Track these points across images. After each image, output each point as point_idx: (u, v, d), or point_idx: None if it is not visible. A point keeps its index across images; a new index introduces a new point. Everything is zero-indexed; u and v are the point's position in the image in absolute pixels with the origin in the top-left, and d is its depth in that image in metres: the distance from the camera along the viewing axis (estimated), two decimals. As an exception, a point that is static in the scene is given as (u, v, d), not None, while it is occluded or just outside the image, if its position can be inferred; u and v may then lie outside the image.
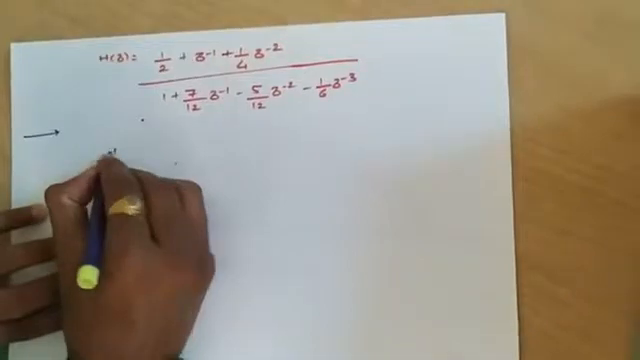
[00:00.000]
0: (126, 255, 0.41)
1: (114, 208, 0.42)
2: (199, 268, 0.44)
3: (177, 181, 0.46)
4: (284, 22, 0.49)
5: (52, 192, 0.45)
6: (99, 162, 0.47)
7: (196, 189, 0.46)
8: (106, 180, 0.45)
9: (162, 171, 0.48)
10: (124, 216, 0.42)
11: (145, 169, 0.48)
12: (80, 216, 0.44)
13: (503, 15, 0.47)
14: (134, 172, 0.46)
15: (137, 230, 0.42)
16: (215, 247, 0.47)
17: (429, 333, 0.46)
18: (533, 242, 0.46)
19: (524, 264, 0.46)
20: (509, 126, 0.47)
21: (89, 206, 0.46)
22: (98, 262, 0.41)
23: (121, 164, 0.46)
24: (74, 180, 0.45)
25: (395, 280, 0.47)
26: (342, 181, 0.48)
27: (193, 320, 0.45)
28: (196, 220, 0.45)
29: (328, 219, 0.47)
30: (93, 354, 0.41)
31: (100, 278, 0.41)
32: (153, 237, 0.42)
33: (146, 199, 0.43)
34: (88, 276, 0.40)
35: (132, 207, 0.42)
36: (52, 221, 0.44)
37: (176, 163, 0.49)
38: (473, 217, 0.46)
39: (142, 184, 0.44)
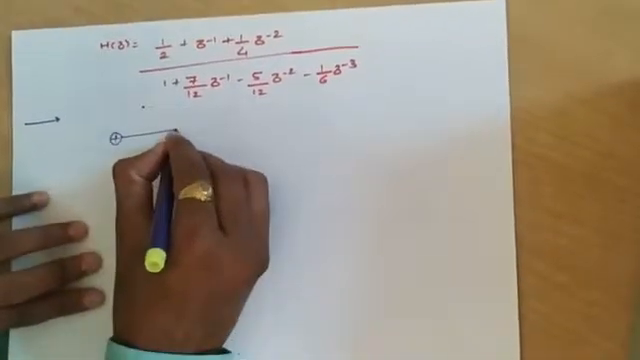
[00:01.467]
0: (194, 241, 0.40)
1: (185, 192, 0.41)
2: (258, 263, 0.43)
3: (244, 168, 0.45)
4: (285, 9, 0.49)
5: (121, 167, 0.44)
6: (167, 140, 0.46)
7: (263, 180, 0.45)
8: (177, 161, 0.44)
9: None
10: (195, 201, 0.41)
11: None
12: (147, 193, 0.44)
13: (503, 1, 0.47)
14: (202, 155, 0.45)
15: (207, 217, 0.41)
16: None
17: (428, 320, 0.46)
18: (533, 228, 0.46)
19: (524, 250, 0.46)
20: (509, 113, 0.47)
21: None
22: (165, 245, 0.40)
23: (190, 145, 0.46)
24: (143, 156, 0.45)
25: (393, 266, 0.47)
26: (342, 167, 0.48)
27: (239, 314, 0.44)
28: (261, 212, 0.44)
29: (328, 205, 0.47)
30: (141, 335, 0.40)
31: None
32: (220, 226, 0.41)
33: (215, 186, 0.42)
34: (156, 259, 0.39)
35: (204, 193, 0.41)
36: (118, 196, 0.44)
37: None
38: (473, 203, 0.46)
39: (211, 169, 0.44)
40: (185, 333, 0.40)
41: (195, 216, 0.41)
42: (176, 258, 0.40)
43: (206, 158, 0.45)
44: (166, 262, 0.40)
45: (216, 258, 0.40)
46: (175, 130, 0.48)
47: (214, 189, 0.42)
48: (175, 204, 0.42)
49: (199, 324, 0.41)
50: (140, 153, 0.45)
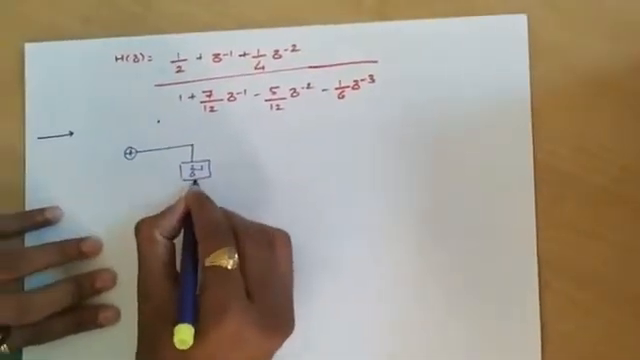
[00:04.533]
0: (224, 318, 0.39)
1: (212, 259, 0.41)
2: (285, 329, 0.42)
3: (268, 228, 0.44)
4: (303, 22, 0.48)
5: (144, 226, 0.43)
6: (188, 196, 0.45)
7: (287, 240, 0.44)
8: (200, 225, 0.43)
9: (177, 174, 0.48)
10: (222, 270, 0.40)
11: (161, 171, 0.48)
12: (170, 253, 0.43)
13: (525, 17, 0.47)
14: (225, 213, 0.44)
15: (235, 287, 0.40)
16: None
17: (448, 340, 0.46)
18: (556, 245, 0.45)
19: (546, 268, 0.45)
20: (530, 128, 0.46)
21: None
22: (193, 318, 0.39)
23: (212, 203, 0.45)
24: (165, 214, 0.44)
25: (413, 284, 0.46)
26: (361, 184, 0.47)
27: None
28: (286, 274, 0.43)
29: (346, 222, 0.47)
30: None
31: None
32: (246, 291, 0.40)
33: (240, 248, 0.42)
34: (185, 336, 0.38)
35: (230, 261, 0.40)
36: (140, 256, 0.43)
37: (192, 166, 0.48)
38: (495, 220, 0.46)
39: (235, 230, 0.43)
40: None
41: (223, 287, 0.40)
42: (204, 333, 0.39)
43: (228, 217, 0.44)
44: (195, 334, 0.39)
45: (245, 334, 0.39)
46: (195, 182, 0.48)
47: (239, 252, 0.41)
48: (201, 270, 0.41)
49: None
50: (161, 211, 0.44)
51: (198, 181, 0.48)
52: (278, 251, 0.43)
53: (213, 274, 0.41)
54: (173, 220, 0.44)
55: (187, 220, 0.44)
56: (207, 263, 0.41)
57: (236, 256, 0.41)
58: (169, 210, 0.45)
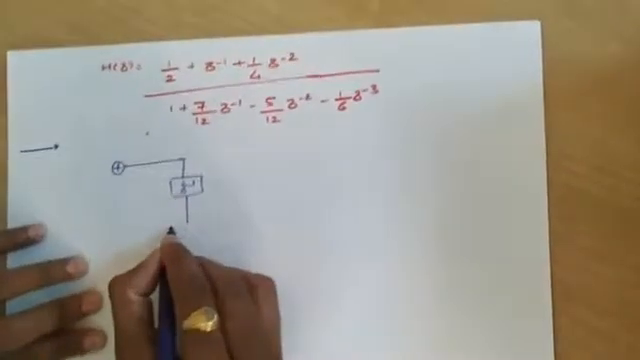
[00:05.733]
0: None
1: (189, 322, 0.38)
2: None
3: (250, 276, 0.42)
4: (300, 29, 0.47)
5: (117, 286, 0.42)
6: (162, 249, 0.43)
7: (271, 287, 0.42)
8: (176, 283, 0.41)
9: (167, 190, 0.46)
10: (201, 333, 0.38)
11: (150, 187, 0.46)
12: (146, 310, 0.41)
13: (538, 23, 0.45)
14: (200, 263, 0.42)
15: (216, 351, 0.37)
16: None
17: None
18: (570, 269, 0.43)
19: (561, 294, 0.43)
20: (544, 143, 0.44)
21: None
22: None
23: (188, 257, 0.43)
24: (139, 270, 0.42)
25: (425, 307, 0.44)
26: (363, 200, 0.45)
27: None
28: (272, 325, 0.41)
29: (346, 239, 0.45)
30: None
31: None
32: (229, 353, 0.38)
33: (219, 305, 0.39)
34: None
35: (209, 323, 0.38)
36: (115, 317, 0.41)
37: (184, 182, 0.47)
38: (505, 243, 0.44)
39: (213, 283, 0.41)
40: None
41: (203, 352, 0.37)
42: None
43: (205, 268, 0.42)
44: None
45: None
46: (170, 230, 0.46)
47: (219, 308, 0.39)
48: (179, 333, 0.39)
49: None
50: (134, 267, 0.42)
51: (175, 230, 0.46)
52: (261, 300, 0.41)
53: (192, 338, 0.38)
54: (147, 277, 0.42)
55: (163, 274, 0.42)
56: (185, 326, 0.38)
57: (215, 316, 0.38)
58: (142, 266, 0.43)
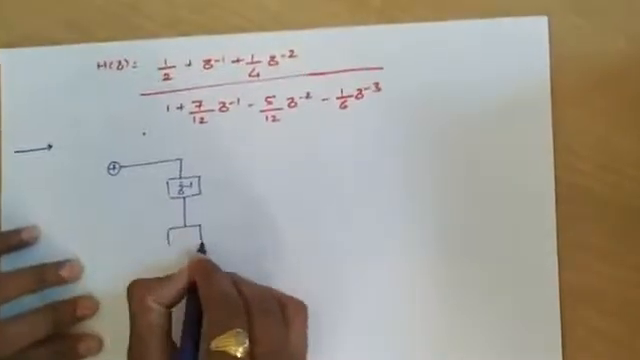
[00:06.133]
0: None
1: (218, 342, 0.37)
2: None
3: (283, 297, 0.41)
4: (300, 26, 0.46)
5: (137, 289, 0.41)
6: (193, 264, 0.42)
7: (303, 311, 0.41)
8: (208, 299, 0.40)
9: (164, 191, 0.46)
10: (228, 357, 0.36)
11: (146, 188, 0.46)
12: (166, 323, 0.40)
13: (545, 19, 0.44)
14: (233, 280, 0.41)
15: None
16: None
17: None
18: (578, 270, 0.43)
19: (569, 296, 0.43)
20: (552, 140, 0.44)
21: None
22: None
23: (221, 274, 0.42)
24: (164, 282, 0.41)
25: (431, 310, 0.44)
26: (365, 201, 0.45)
27: None
28: (299, 351, 0.40)
29: (347, 239, 0.45)
30: None
31: None
32: None
33: (250, 325, 0.38)
34: None
35: (240, 348, 0.36)
36: (132, 321, 0.40)
37: (181, 183, 0.46)
38: (512, 244, 0.43)
39: (245, 303, 0.39)
40: None
41: None
42: None
43: (238, 287, 0.40)
44: None
45: None
46: (201, 248, 0.45)
47: (249, 329, 0.37)
48: (203, 350, 0.38)
49: None
50: (162, 277, 0.41)
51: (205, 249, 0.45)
52: (292, 324, 0.40)
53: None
54: (172, 290, 0.41)
55: (191, 291, 0.41)
56: (213, 347, 0.37)
57: (247, 343, 0.37)
58: (169, 279, 0.41)
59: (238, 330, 0.37)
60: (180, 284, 0.41)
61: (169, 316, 0.40)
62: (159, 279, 0.41)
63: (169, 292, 0.41)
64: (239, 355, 0.36)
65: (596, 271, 0.43)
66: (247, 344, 0.37)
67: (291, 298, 0.41)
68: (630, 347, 0.42)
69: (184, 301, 0.41)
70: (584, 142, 0.43)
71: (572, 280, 0.43)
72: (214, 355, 0.36)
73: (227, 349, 0.36)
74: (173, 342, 0.40)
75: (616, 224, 0.43)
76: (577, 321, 0.42)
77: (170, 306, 0.41)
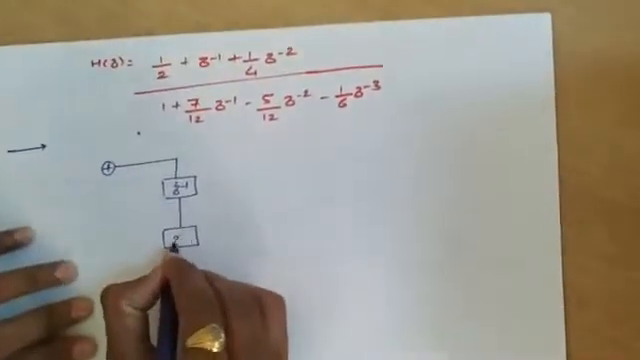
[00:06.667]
0: None
1: (194, 339, 0.36)
2: None
3: (259, 291, 0.41)
4: (298, 22, 0.45)
5: (110, 295, 0.40)
6: (166, 264, 0.42)
7: (281, 305, 0.41)
8: (182, 296, 0.39)
9: (159, 191, 0.45)
10: (205, 353, 0.36)
11: (141, 188, 0.45)
12: (141, 326, 0.40)
13: (549, 15, 0.44)
14: (208, 278, 0.41)
15: None
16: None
17: None
18: (583, 274, 0.43)
19: (573, 300, 0.43)
20: (555, 140, 0.44)
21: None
22: None
23: (194, 271, 0.42)
24: (137, 285, 0.41)
25: (429, 308, 0.44)
26: (364, 202, 0.44)
27: None
28: (278, 346, 0.39)
29: (346, 239, 0.44)
30: None
31: None
32: None
33: (226, 324, 0.38)
34: None
35: (216, 343, 0.36)
36: (108, 327, 0.40)
37: (177, 183, 0.45)
38: (515, 247, 0.43)
39: (220, 299, 0.39)
40: None
41: None
42: None
43: (212, 283, 0.40)
44: None
45: None
46: (173, 247, 0.44)
47: (225, 326, 0.37)
48: (180, 349, 0.37)
49: None
50: (133, 280, 0.41)
51: (179, 247, 0.45)
52: (269, 318, 0.40)
53: (195, 357, 0.36)
54: (146, 292, 0.41)
55: (165, 291, 0.41)
56: (189, 344, 0.36)
57: (223, 337, 0.37)
58: (142, 281, 0.41)
59: (213, 325, 0.37)
60: (153, 285, 0.41)
61: (145, 319, 0.40)
62: (131, 283, 0.41)
63: (142, 295, 0.40)
64: (215, 350, 0.36)
65: (601, 273, 0.43)
66: (223, 338, 0.37)
67: (268, 292, 0.41)
68: (635, 350, 0.42)
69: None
70: (589, 141, 0.43)
71: (576, 282, 0.42)
72: (191, 352, 0.36)
73: (203, 345, 0.36)
74: (150, 345, 0.40)
75: (622, 226, 0.43)
76: (581, 323, 0.42)
77: (145, 309, 0.41)
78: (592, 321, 0.42)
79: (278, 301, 0.41)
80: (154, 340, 0.40)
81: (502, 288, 0.43)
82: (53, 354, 0.44)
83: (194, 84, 0.46)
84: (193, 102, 0.46)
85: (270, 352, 0.39)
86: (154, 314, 0.41)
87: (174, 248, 0.44)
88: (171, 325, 0.39)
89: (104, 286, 0.41)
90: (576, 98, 0.43)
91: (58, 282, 0.45)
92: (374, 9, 0.45)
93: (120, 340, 0.39)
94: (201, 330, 0.37)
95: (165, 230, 0.45)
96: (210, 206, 0.45)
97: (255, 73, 0.45)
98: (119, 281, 0.43)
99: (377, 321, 0.44)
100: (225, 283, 0.41)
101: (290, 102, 0.45)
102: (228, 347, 0.37)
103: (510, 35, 0.44)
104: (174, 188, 0.45)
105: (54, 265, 0.45)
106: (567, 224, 0.43)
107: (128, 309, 0.40)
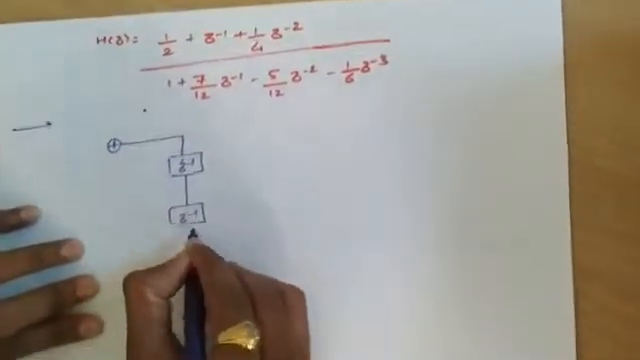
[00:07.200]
0: None
1: (227, 336, 0.36)
2: None
3: (281, 285, 0.40)
4: None
5: (134, 282, 0.39)
6: (190, 252, 0.41)
7: (302, 298, 0.40)
8: (213, 292, 0.39)
9: (165, 169, 0.45)
10: (239, 349, 0.36)
11: (147, 165, 0.45)
12: (166, 315, 0.39)
13: None
14: (236, 272, 0.40)
15: None
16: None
17: (479, 351, 0.43)
18: (593, 251, 0.42)
19: (583, 277, 0.42)
20: (564, 116, 0.43)
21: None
22: None
23: (223, 263, 0.41)
24: (162, 272, 0.40)
25: (443, 293, 0.43)
26: (372, 177, 0.44)
27: None
28: (302, 337, 0.39)
29: (352, 218, 0.44)
30: None
31: None
32: None
33: (256, 318, 0.37)
34: None
35: (251, 340, 0.36)
36: (130, 316, 0.39)
37: (183, 160, 0.45)
38: (524, 224, 0.43)
39: (250, 296, 0.38)
40: None
41: None
42: None
43: (240, 277, 0.40)
44: None
45: None
46: (192, 233, 0.44)
47: (256, 323, 0.37)
48: (211, 347, 0.36)
49: None
50: (156, 267, 0.40)
51: (197, 232, 0.44)
52: (292, 312, 0.39)
53: (227, 353, 0.36)
54: (171, 280, 0.40)
55: (190, 278, 0.40)
56: (221, 339, 0.36)
57: (257, 334, 0.36)
58: (166, 267, 0.41)
59: (247, 322, 0.36)
60: (179, 272, 0.40)
61: (168, 307, 0.40)
62: (155, 269, 0.40)
63: (169, 282, 0.40)
64: (250, 347, 0.36)
65: (612, 252, 0.42)
66: (258, 337, 0.36)
67: (290, 286, 0.40)
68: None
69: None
70: (599, 118, 0.43)
71: (586, 261, 0.42)
72: (222, 348, 0.36)
73: (238, 342, 0.36)
74: (173, 334, 0.39)
75: (634, 204, 0.42)
76: (591, 302, 0.42)
77: (168, 297, 0.40)
78: (601, 298, 0.42)
79: (299, 295, 0.40)
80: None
81: (511, 265, 0.42)
82: (59, 332, 0.44)
83: (200, 60, 0.46)
84: (199, 79, 0.45)
85: (295, 347, 0.38)
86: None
87: (193, 234, 0.44)
88: (198, 316, 0.39)
89: (111, 265, 0.41)
90: (585, 73, 0.43)
91: (64, 260, 0.44)
92: (381, -15, 0.45)
93: (144, 330, 0.38)
94: (235, 326, 0.36)
95: (171, 208, 0.45)
96: (216, 183, 0.44)
97: (261, 49, 0.45)
98: (125, 259, 0.43)
99: (389, 304, 0.43)
100: (253, 278, 0.40)
101: (297, 78, 0.45)
102: (259, 345, 0.36)
103: (518, 8, 0.44)
104: (180, 165, 0.45)
105: (60, 243, 0.45)
106: (577, 202, 0.42)
107: (153, 297, 0.39)
